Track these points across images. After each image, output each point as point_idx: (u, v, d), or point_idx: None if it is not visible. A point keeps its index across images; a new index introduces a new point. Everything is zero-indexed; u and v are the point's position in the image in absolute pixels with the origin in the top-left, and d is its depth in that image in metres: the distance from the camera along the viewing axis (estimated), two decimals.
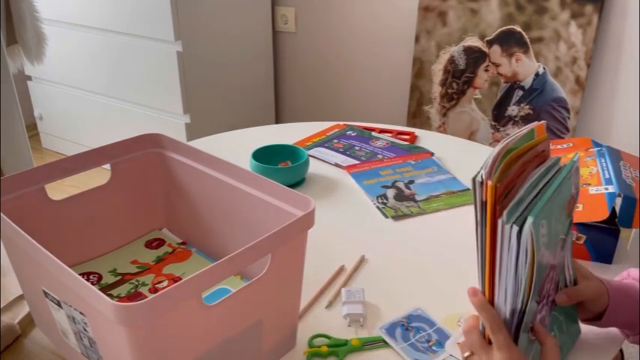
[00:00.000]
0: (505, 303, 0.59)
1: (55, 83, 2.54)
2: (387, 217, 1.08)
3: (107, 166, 0.89)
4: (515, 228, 0.55)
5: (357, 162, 1.28)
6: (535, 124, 0.64)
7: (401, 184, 1.19)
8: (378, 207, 1.11)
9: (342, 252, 0.98)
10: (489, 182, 0.55)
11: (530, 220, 0.54)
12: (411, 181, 1.20)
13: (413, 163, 1.27)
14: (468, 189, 1.16)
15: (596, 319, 0.74)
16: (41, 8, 1.50)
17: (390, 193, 1.16)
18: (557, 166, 0.64)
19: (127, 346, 0.57)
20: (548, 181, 0.61)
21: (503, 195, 0.57)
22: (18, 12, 1.43)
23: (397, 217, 1.08)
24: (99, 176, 0.93)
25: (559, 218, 0.61)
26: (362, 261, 0.96)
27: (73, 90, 2.51)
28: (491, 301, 0.61)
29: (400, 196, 1.15)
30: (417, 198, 1.14)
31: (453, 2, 2.08)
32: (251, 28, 2.38)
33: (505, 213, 0.55)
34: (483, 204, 0.57)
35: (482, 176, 0.56)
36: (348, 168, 1.25)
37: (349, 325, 0.82)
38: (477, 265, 0.60)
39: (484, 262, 0.59)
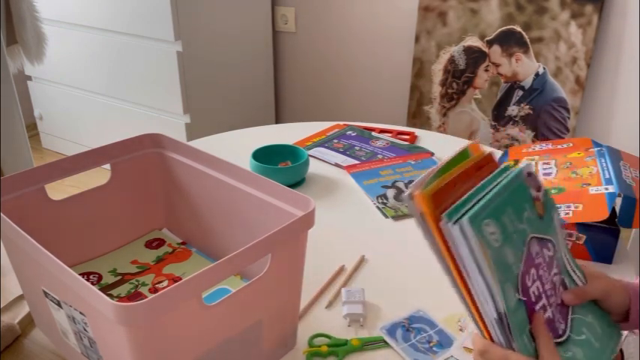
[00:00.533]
0: (488, 305, 0.58)
1: (55, 83, 2.54)
2: (387, 217, 1.08)
3: (107, 166, 0.89)
4: (456, 227, 0.55)
5: (357, 162, 1.28)
6: (468, 143, 0.64)
7: (401, 184, 1.19)
8: (378, 207, 1.11)
9: (342, 252, 0.98)
10: (417, 192, 0.55)
11: (465, 219, 0.55)
12: (411, 181, 1.20)
13: (413, 163, 1.27)
14: None
15: (621, 320, 0.73)
16: (41, 8, 1.50)
17: (390, 193, 1.16)
18: (506, 172, 0.64)
19: (127, 346, 0.57)
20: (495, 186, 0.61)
21: (443, 206, 0.58)
22: (18, 12, 1.43)
23: (397, 217, 1.08)
24: (99, 176, 0.93)
25: (520, 217, 0.61)
26: (362, 261, 0.96)
27: (73, 90, 2.51)
28: (477, 310, 0.59)
29: (400, 196, 1.15)
30: None
31: (453, 2, 2.08)
32: (251, 28, 2.38)
33: (444, 215, 0.56)
34: (422, 215, 0.56)
35: (411, 191, 0.56)
36: (348, 168, 1.25)
37: (349, 325, 0.82)
38: (447, 277, 0.59)
39: (450, 271, 0.59)
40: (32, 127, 2.74)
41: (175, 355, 0.62)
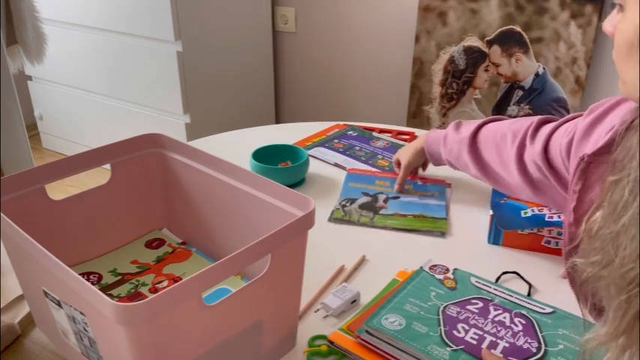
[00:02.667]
0: None
1: (55, 83, 2.54)
2: (330, 218, 1.08)
3: (107, 166, 0.89)
4: (365, 334, 0.74)
5: (359, 165, 1.26)
6: (395, 274, 0.90)
7: (381, 197, 1.13)
8: (336, 207, 1.10)
9: (342, 252, 0.98)
10: (332, 333, 0.78)
11: (364, 325, 0.75)
12: (396, 197, 1.13)
13: (419, 184, 1.18)
14: (444, 219, 1.06)
15: None
16: (41, 8, 1.50)
17: (362, 200, 1.12)
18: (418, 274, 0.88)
19: (127, 346, 0.57)
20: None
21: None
22: (18, 12, 1.43)
23: (339, 221, 1.07)
24: (99, 176, 0.93)
25: (426, 299, 0.81)
26: (362, 260, 0.96)
27: (73, 90, 2.51)
28: None
29: (367, 206, 1.10)
30: (382, 212, 1.09)
31: (453, 2, 2.08)
32: (251, 28, 2.38)
33: (356, 331, 0.75)
34: (346, 349, 0.75)
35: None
36: (351, 170, 1.24)
37: (324, 317, 0.83)
38: None
39: None
40: (32, 127, 2.74)
41: (175, 355, 0.62)
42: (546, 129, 0.88)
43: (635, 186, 0.50)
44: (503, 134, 0.95)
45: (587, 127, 0.77)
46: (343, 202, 1.11)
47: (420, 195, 1.15)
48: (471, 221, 1.06)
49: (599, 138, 0.72)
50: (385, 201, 1.12)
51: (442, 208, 1.10)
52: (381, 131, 1.44)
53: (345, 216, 1.07)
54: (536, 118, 0.92)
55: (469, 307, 0.80)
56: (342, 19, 2.37)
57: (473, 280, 0.86)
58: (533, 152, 0.88)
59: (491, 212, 0.99)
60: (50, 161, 0.81)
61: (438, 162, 1.12)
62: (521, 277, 0.90)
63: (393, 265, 0.94)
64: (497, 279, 0.90)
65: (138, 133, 0.90)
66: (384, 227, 1.05)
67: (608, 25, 0.58)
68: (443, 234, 1.03)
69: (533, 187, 0.90)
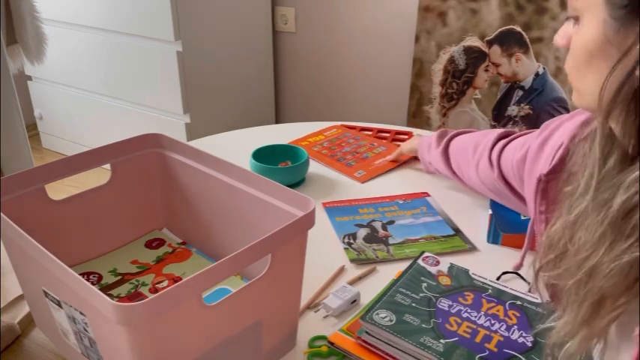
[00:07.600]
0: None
1: (55, 83, 2.54)
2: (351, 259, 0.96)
3: (107, 166, 0.89)
4: (363, 334, 0.75)
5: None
6: (395, 275, 0.88)
7: (377, 224, 1.05)
8: (344, 247, 0.99)
9: (342, 252, 0.98)
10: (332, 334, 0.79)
11: (363, 329, 0.75)
12: (391, 222, 1.06)
13: (401, 202, 1.13)
14: (455, 234, 1.02)
15: None
16: (41, 8, 1.50)
17: (362, 232, 1.03)
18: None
19: (127, 346, 0.57)
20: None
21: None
22: (18, 12, 1.43)
23: (358, 262, 0.96)
24: (99, 176, 0.93)
25: (417, 290, 0.80)
26: (372, 270, 0.96)
27: (73, 90, 2.51)
28: None
29: (371, 237, 1.01)
30: (391, 241, 1.00)
31: (453, 2, 2.08)
32: (251, 28, 2.38)
33: (356, 333, 0.77)
34: (346, 350, 0.76)
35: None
36: (324, 203, 1.13)
37: (324, 317, 0.83)
38: None
39: None
40: (32, 127, 2.74)
41: (175, 355, 0.62)
42: (500, 144, 0.97)
43: (588, 179, 0.53)
44: (465, 147, 1.05)
45: (538, 146, 0.83)
46: (346, 240, 1.01)
47: (411, 213, 1.08)
48: (470, 221, 1.06)
49: (549, 156, 0.79)
50: (384, 228, 1.04)
51: (442, 223, 1.05)
52: (380, 131, 1.44)
53: (360, 255, 0.97)
54: (495, 132, 1.00)
55: (460, 299, 0.80)
56: (342, 19, 2.37)
57: (469, 272, 0.86)
58: (489, 167, 0.97)
59: (490, 211, 0.99)
60: (50, 161, 0.81)
61: (427, 169, 1.19)
62: (521, 277, 0.90)
63: (393, 265, 0.94)
64: (498, 279, 0.90)
65: (138, 133, 0.90)
66: (407, 258, 0.95)
67: (560, 38, 0.59)
68: (471, 249, 0.98)
69: (496, 195, 1.01)
